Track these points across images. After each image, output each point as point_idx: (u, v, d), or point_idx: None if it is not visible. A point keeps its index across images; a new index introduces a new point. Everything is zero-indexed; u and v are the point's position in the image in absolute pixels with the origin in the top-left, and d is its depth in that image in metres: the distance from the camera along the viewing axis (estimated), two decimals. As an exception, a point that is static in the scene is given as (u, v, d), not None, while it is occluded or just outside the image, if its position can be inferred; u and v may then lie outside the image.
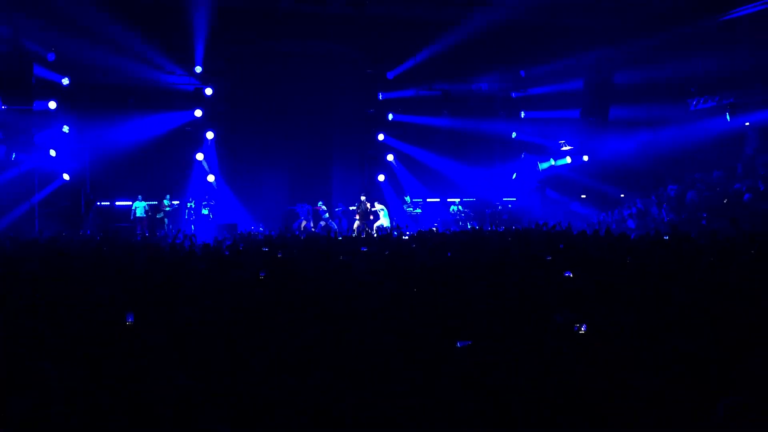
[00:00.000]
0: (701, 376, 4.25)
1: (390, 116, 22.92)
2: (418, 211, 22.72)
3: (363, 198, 20.56)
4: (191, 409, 3.78)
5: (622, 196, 22.26)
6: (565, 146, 22.36)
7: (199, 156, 21.48)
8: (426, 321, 6.01)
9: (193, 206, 20.96)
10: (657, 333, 5.23)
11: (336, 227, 20.54)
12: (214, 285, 8.24)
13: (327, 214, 21.07)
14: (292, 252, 12.30)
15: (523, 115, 23.61)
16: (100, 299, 7.13)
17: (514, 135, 23.54)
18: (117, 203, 21.18)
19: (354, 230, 20.06)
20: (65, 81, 19.67)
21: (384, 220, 20.54)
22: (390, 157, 23.34)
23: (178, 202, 21.04)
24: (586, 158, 22.48)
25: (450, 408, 3.88)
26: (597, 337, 5.32)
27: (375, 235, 17.38)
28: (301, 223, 20.63)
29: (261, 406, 4.03)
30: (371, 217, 20.45)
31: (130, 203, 20.62)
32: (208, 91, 20.82)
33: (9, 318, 5.81)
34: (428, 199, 23.80)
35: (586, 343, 5.22)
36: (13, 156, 18.79)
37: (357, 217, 20.51)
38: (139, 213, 20.23)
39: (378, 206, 20.83)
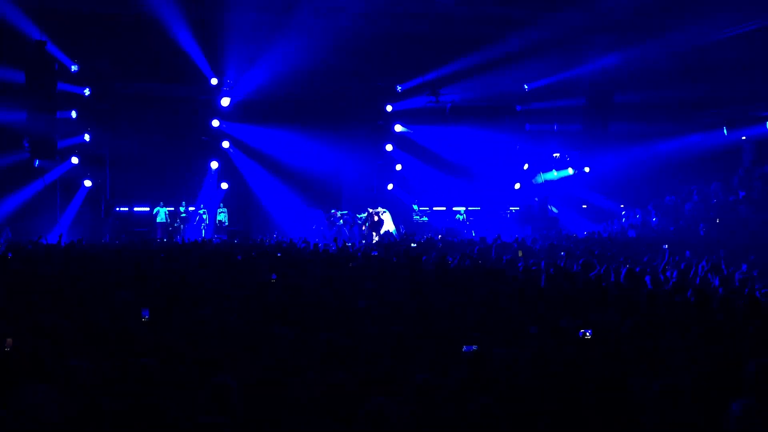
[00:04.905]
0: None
1: (398, 127, 23.68)
2: (425, 219, 23.47)
3: (372, 210, 21.40)
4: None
5: (622, 206, 22.96)
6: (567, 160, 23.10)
7: (214, 164, 22.28)
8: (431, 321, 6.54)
9: (206, 214, 21.79)
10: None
11: (347, 234, 21.26)
12: (230, 286, 8.89)
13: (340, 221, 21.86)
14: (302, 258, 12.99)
15: (527, 127, 24.34)
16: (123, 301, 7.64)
17: (518, 147, 24.28)
18: (135, 209, 22.00)
19: (363, 238, 20.84)
20: (86, 91, 20.43)
21: (390, 225, 21.32)
22: (398, 167, 24.11)
23: (193, 208, 21.87)
24: (587, 170, 23.17)
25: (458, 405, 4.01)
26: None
27: (383, 242, 18.15)
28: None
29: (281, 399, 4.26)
30: (378, 226, 21.28)
31: (148, 209, 21.47)
32: (224, 102, 21.51)
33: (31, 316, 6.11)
34: (435, 207, 24.60)
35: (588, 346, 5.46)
36: (37, 163, 19.58)
37: (364, 226, 21.33)
38: (161, 218, 21.07)
39: (381, 210, 21.63)
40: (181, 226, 21.44)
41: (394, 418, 3.51)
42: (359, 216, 22.35)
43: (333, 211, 22.28)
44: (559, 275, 9.50)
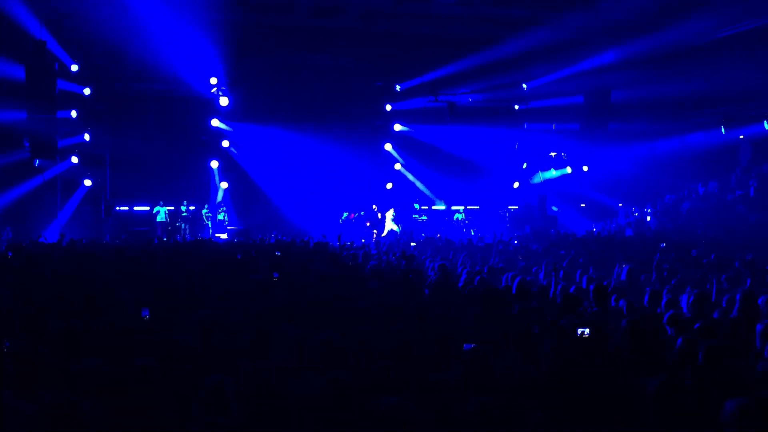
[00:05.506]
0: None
1: (397, 127, 23.75)
2: (424, 218, 23.52)
3: (375, 207, 21.47)
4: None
5: (620, 205, 23.05)
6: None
7: (214, 164, 22.33)
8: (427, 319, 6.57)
9: (208, 213, 21.86)
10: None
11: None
12: (230, 285, 8.91)
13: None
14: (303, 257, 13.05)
15: (525, 126, 24.42)
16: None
17: (516, 146, 24.36)
18: (135, 209, 22.05)
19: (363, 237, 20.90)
20: (86, 91, 20.45)
21: (393, 225, 21.42)
22: (398, 166, 24.16)
23: (194, 207, 21.93)
24: (586, 168, 23.25)
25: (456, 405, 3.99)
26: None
27: (384, 241, 18.19)
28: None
29: (281, 398, 4.25)
30: (380, 225, 21.37)
31: (149, 208, 21.52)
32: (223, 102, 21.53)
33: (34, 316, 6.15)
34: (434, 207, 24.66)
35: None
36: (37, 162, 19.60)
37: (368, 224, 21.42)
38: (161, 218, 21.12)
39: (388, 214, 21.71)
40: (182, 225, 21.49)
41: (398, 416, 3.55)
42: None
43: (346, 213, 22.41)
44: (557, 274, 9.54)
